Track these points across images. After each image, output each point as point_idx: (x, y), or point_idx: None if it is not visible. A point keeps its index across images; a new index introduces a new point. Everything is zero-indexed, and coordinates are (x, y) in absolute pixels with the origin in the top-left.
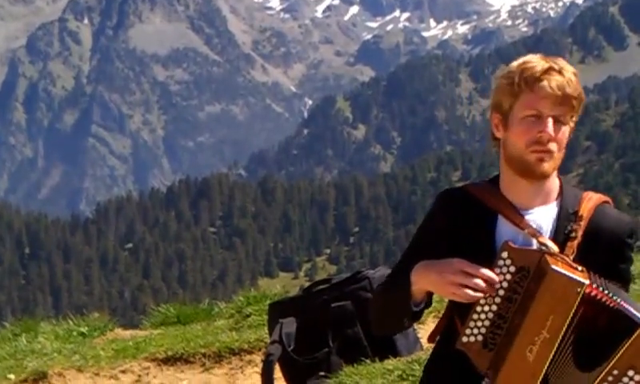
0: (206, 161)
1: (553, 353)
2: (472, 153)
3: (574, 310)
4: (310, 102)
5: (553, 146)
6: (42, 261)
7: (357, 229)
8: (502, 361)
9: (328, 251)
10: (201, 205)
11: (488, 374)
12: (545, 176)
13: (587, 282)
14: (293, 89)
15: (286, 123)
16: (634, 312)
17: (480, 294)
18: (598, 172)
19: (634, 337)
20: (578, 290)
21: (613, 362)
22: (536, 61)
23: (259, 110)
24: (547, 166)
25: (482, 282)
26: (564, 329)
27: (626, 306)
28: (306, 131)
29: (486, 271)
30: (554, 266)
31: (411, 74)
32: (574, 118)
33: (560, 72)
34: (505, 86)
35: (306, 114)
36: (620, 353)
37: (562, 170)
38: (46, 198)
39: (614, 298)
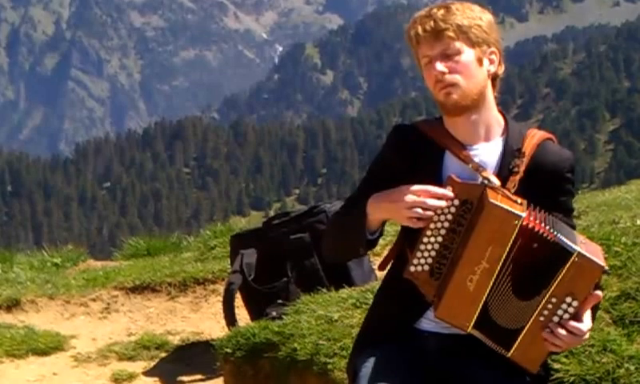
0: (180, 104)
1: (492, 282)
2: None
3: (511, 242)
4: (281, 49)
5: (454, 78)
6: (24, 198)
7: (325, 170)
8: (445, 289)
9: (297, 191)
10: (175, 146)
11: (434, 301)
12: (458, 106)
13: (524, 214)
14: (264, 36)
15: (257, 69)
16: (568, 242)
17: (432, 213)
18: (555, 118)
19: (568, 264)
20: (515, 222)
21: (551, 290)
22: (414, 17)
23: (232, 56)
24: (456, 96)
25: (431, 201)
26: (502, 259)
27: (561, 236)
28: (276, 76)
29: (436, 188)
30: (492, 200)
31: (378, 22)
32: (482, 47)
33: (428, 15)
34: (409, 46)
35: (276, 60)
36: (557, 281)
37: (522, 117)
38: (27, 138)
39: (550, 229)
